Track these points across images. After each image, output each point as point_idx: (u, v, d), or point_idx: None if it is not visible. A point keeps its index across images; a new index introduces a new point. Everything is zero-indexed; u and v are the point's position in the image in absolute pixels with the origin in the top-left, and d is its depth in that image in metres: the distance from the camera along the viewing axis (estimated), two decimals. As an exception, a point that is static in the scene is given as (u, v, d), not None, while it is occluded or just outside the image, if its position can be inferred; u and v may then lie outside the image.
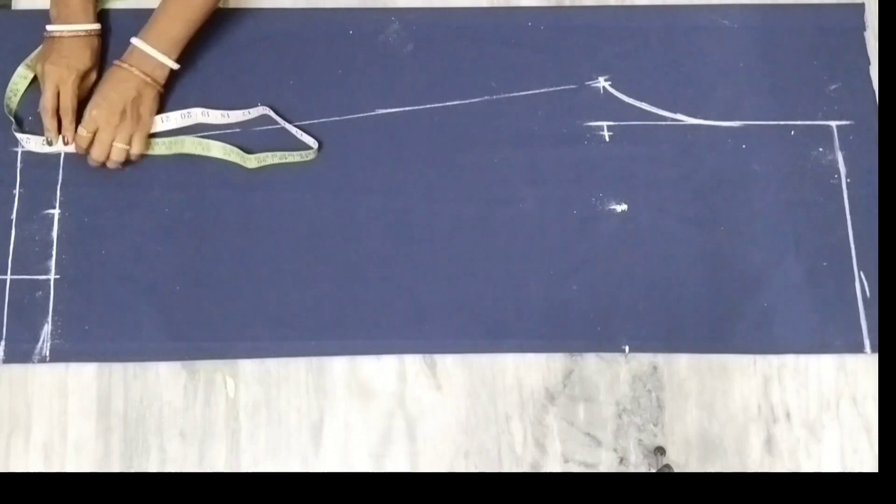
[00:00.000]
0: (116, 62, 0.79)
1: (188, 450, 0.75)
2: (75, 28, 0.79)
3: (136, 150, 0.79)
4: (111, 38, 0.84)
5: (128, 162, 0.80)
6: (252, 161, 0.80)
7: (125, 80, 0.78)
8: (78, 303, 0.77)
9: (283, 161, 0.80)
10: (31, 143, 0.80)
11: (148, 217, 0.80)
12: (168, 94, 0.82)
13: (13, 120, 0.81)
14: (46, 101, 0.78)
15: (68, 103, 0.79)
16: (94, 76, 0.81)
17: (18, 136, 0.80)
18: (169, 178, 0.81)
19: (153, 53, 0.78)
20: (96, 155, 0.78)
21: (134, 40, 0.78)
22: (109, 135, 0.78)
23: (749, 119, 0.83)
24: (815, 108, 0.83)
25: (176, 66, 0.79)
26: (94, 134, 0.78)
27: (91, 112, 0.78)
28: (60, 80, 0.78)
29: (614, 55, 0.85)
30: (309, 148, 0.80)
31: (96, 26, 0.81)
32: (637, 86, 0.84)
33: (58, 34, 0.79)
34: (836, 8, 0.87)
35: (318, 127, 0.82)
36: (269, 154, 0.80)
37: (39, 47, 0.81)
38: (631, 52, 0.85)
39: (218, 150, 0.80)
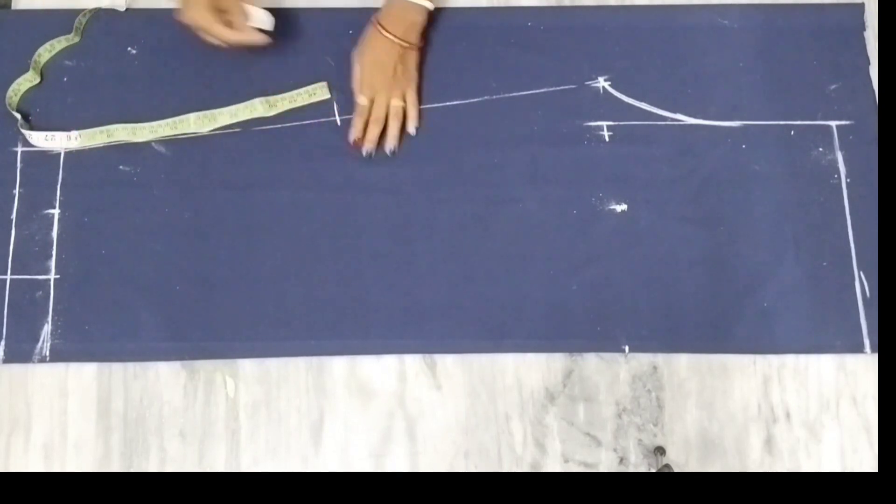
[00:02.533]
0: (374, 24, 0.80)
1: (188, 450, 0.75)
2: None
3: (411, 106, 0.81)
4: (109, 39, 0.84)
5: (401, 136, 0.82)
6: (266, 107, 0.81)
7: (387, 48, 0.80)
8: (78, 303, 0.77)
9: (295, 105, 0.82)
10: (33, 137, 0.80)
11: (148, 217, 0.80)
12: (166, 94, 0.82)
13: (19, 116, 0.80)
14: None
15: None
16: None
17: (24, 132, 0.80)
18: (169, 178, 0.81)
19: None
20: (377, 114, 0.80)
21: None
22: (385, 96, 0.80)
23: (749, 119, 0.83)
24: (815, 108, 0.83)
25: (432, 7, 0.81)
26: (372, 100, 0.81)
27: (363, 80, 0.81)
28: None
29: (614, 55, 0.85)
30: (313, 83, 0.82)
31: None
32: (637, 86, 0.84)
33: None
34: (836, 8, 0.87)
35: (317, 127, 0.82)
36: (280, 98, 0.82)
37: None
38: (631, 52, 0.85)
39: (226, 116, 0.81)
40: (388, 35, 0.79)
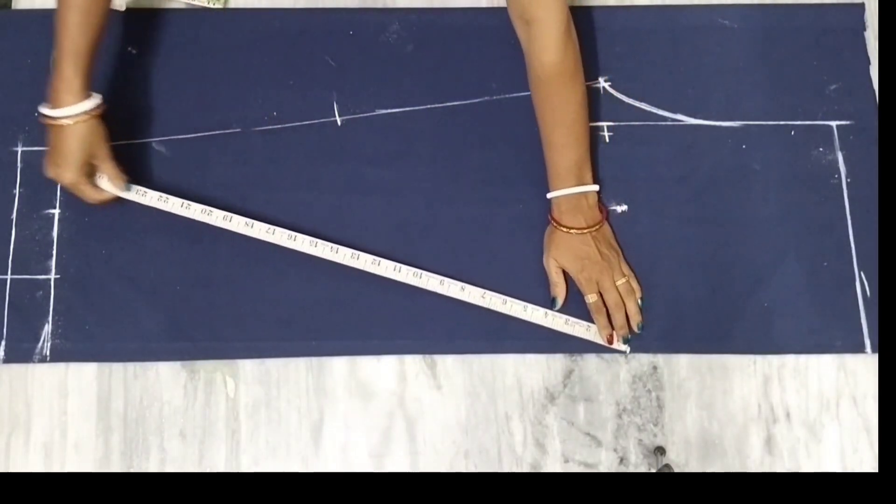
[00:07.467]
0: (555, 226, 0.77)
1: (188, 450, 0.75)
2: (74, 112, 0.73)
3: (631, 278, 0.78)
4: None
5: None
6: None
7: (583, 240, 0.77)
8: (78, 303, 0.77)
9: None
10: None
11: (148, 217, 0.79)
12: (166, 95, 0.82)
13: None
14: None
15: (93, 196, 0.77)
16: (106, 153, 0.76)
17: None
18: (169, 178, 0.80)
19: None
20: (613, 300, 0.77)
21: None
22: (608, 281, 0.77)
23: (749, 119, 0.83)
24: (815, 108, 0.83)
25: (598, 188, 0.78)
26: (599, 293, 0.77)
27: (582, 279, 0.77)
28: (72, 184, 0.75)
29: (614, 55, 0.85)
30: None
31: (96, 102, 0.74)
32: (637, 86, 0.84)
33: (53, 122, 0.73)
34: (836, 8, 0.87)
35: (318, 127, 0.82)
36: None
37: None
38: (631, 52, 0.85)
39: None
40: (575, 231, 0.76)
